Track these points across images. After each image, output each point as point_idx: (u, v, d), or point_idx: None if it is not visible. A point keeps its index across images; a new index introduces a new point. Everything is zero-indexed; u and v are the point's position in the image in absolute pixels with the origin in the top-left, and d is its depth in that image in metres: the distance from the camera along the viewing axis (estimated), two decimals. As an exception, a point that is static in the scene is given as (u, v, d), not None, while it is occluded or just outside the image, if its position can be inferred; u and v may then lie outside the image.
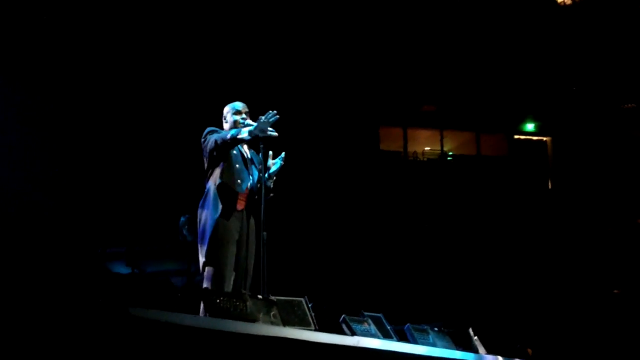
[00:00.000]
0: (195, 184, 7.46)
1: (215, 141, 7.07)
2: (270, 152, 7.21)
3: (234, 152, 7.23)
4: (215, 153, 7.14)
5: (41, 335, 4.53)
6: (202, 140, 7.29)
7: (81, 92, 14.95)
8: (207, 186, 7.22)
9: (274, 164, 7.27)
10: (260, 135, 6.96)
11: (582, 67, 21.19)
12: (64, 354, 4.50)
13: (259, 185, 7.14)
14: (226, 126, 7.46)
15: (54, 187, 13.82)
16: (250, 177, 7.25)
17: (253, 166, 7.34)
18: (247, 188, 7.19)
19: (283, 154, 7.27)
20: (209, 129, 7.31)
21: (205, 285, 6.92)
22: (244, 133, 6.96)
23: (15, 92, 14.00)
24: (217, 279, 6.88)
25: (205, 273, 7.00)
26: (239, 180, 7.17)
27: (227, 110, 7.53)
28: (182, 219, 11.06)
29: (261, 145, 7.19)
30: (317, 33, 18.68)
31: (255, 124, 7.10)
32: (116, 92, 15.43)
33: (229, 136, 7.01)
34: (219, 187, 7.10)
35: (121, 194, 14.65)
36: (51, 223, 13.12)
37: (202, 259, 7.04)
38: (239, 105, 7.49)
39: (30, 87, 14.19)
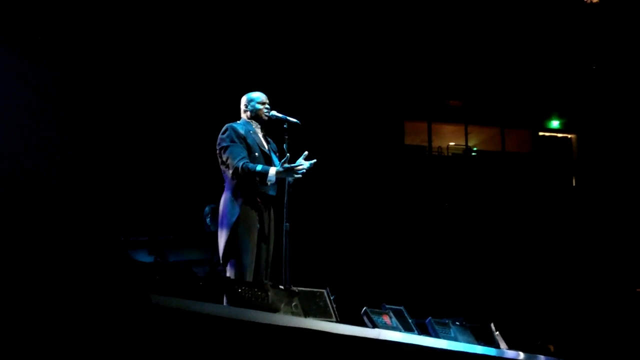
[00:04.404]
0: (219, 174, 7.45)
1: (241, 169, 6.98)
2: (306, 152, 7.11)
3: (256, 153, 7.14)
4: (233, 176, 7.07)
5: (64, 321, 4.56)
6: (218, 142, 7.23)
7: (107, 83, 15.01)
8: (229, 180, 7.19)
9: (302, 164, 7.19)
10: (289, 178, 6.97)
11: (609, 65, 21.10)
12: (86, 340, 4.52)
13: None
14: (245, 115, 7.45)
15: (79, 175, 13.88)
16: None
17: (274, 155, 7.33)
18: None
19: (314, 160, 7.15)
20: (228, 128, 7.24)
21: (227, 275, 6.92)
22: (271, 177, 6.92)
23: (43, 81, 14.07)
24: (239, 269, 6.88)
25: (228, 263, 6.98)
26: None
27: (248, 99, 7.51)
28: (207, 209, 11.07)
29: (286, 137, 7.18)
30: (344, 28, 18.69)
31: (280, 116, 7.32)
32: (141, 81, 15.48)
33: (256, 174, 6.94)
34: (242, 186, 7.08)
35: (145, 182, 14.70)
36: (75, 211, 13.19)
37: (222, 250, 7.01)
38: (262, 96, 7.50)
39: (58, 76, 14.26)
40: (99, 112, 14.78)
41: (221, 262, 7.06)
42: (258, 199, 7.11)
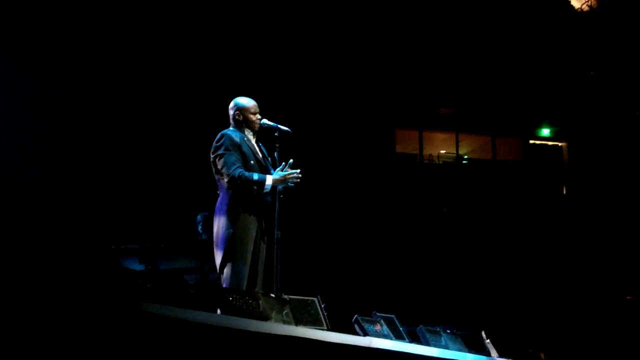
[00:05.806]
0: (211, 182, 7.41)
1: (238, 177, 6.94)
2: (291, 161, 7.09)
3: (251, 162, 7.10)
4: (229, 185, 7.04)
5: (54, 330, 4.54)
6: (213, 150, 7.15)
7: (99, 91, 15.01)
8: (224, 188, 7.15)
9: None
10: (280, 187, 6.99)
11: (599, 73, 21.17)
12: (77, 350, 4.51)
13: None
14: (235, 123, 7.34)
15: (70, 183, 13.86)
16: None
17: (267, 163, 7.30)
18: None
19: (298, 170, 7.12)
20: (224, 136, 7.17)
21: (225, 285, 6.86)
22: (267, 186, 6.95)
23: (35, 92, 14.06)
24: (236, 279, 6.81)
25: (225, 272, 6.92)
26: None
27: (239, 108, 7.38)
28: (199, 217, 11.04)
29: (277, 145, 7.15)
30: (336, 36, 18.72)
31: (270, 125, 7.28)
32: (133, 90, 15.48)
33: (253, 183, 6.95)
34: (239, 194, 7.03)
35: (136, 190, 14.68)
36: (66, 219, 13.16)
37: (220, 260, 6.95)
38: (253, 105, 7.38)
39: (50, 87, 14.26)
40: (93, 119, 14.76)
41: (218, 271, 7.00)
42: (254, 208, 7.08)
